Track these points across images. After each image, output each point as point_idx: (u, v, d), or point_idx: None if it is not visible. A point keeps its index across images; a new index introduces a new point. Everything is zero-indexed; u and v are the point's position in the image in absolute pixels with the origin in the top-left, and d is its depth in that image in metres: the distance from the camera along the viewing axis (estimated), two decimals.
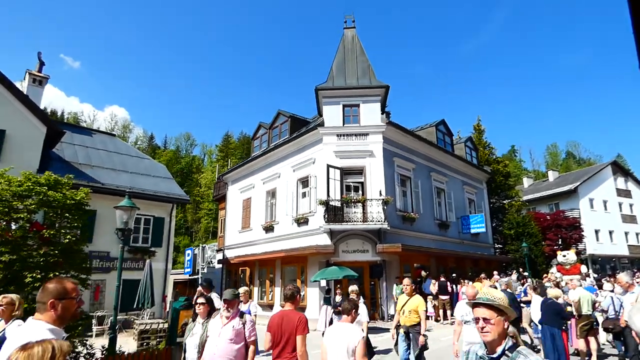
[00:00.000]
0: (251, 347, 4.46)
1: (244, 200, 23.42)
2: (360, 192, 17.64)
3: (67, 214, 6.58)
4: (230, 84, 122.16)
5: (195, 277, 28.76)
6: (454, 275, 18.19)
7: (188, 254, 12.11)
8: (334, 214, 16.55)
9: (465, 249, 22.06)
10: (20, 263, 6.01)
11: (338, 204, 16.67)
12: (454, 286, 16.59)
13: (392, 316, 14.71)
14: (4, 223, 6.02)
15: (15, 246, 6.16)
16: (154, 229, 18.91)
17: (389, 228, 16.50)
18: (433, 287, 16.06)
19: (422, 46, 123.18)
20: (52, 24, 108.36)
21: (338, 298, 12.80)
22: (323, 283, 14.90)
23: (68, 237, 6.51)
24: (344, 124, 18.18)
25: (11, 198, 6.02)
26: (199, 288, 8.28)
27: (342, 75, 18.86)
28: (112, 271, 17.55)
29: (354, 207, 16.84)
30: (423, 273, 17.53)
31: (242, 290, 8.02)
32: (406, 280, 6.96)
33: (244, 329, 4.44)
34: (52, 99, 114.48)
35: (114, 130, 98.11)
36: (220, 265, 24.56)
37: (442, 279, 16.63)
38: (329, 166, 16.94)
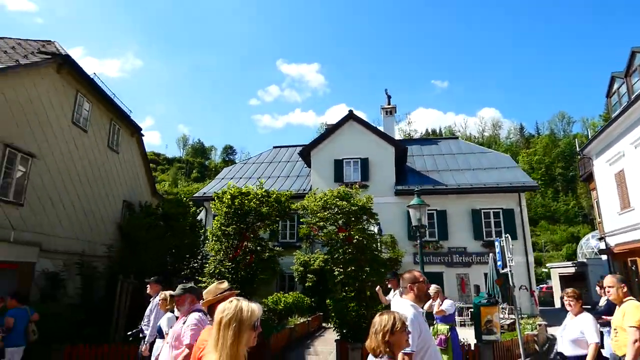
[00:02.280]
0: (184, 351, 3.47)
1: (616, 174, 18.60)
2: None
3: (353, 218, 8.04)
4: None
5: (582, 270, 25.06)
6: None
7: (496, 245, 10.79)
8: None
9: None
10: (331, 260, 7.89)
11: None
12: None
13: None
14: (317, 230, 8.18)
15: (331, 247, 8.16)
16: (504, 221, 18.37)
17: None
18: None
19: None
20: (422, 57, 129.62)
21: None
22: None
23: (356, 237, 7.90)
24: None
25: (318, 209, 8.11)
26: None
27: None
28: (472, 265, 18.37)
29: None
30: None
31: (432, 288, 6.49)
32: (608, 279, 4.06)
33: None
34: (434, 119, 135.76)
35: (485, 131, 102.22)
36: (605, 257, 20.30)
37: None
38: None
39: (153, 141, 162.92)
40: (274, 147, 27.43)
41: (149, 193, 16.96)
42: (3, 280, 9.78)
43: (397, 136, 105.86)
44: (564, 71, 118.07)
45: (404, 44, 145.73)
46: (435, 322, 6.37)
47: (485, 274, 17.84)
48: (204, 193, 21.01)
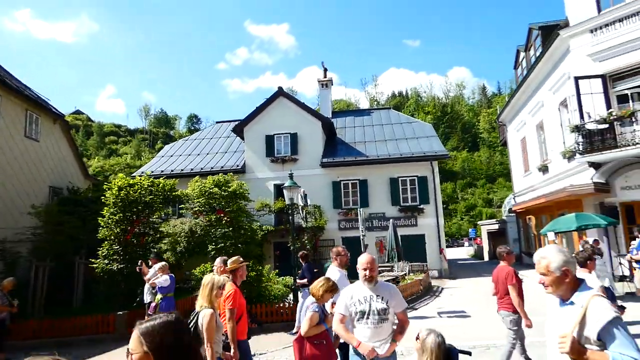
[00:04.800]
0: None
1: (521, 141, 20.47)
2: None
3: (223, 202, 9.34)
4: None
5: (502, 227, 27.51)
6: None
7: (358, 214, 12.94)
8: (600, 139, 12.19)
9: None
10: (207, 238, 9.23)
11: (603, 125, 12.14)
12: None
13: None
14: (199, 213, 9.46)
15: (209, 227, 9.47)
16: (419, 188, 20.05)
17: None
18: None
19: None
20: (393, 16, 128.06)
21: None
22: (551, 236, 11.54)
23: (225, 218, 9.25)
24: (599, 12, 12.81)
25: (196, 196, 9.36)
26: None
27: None
28: (390, 229, 20.16)
29: (632, 124, 11.75)
30: None
31: (158, 265, 7.87)
32: (218, 260, 5.49)
33: None
34: (405, 80, 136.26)
35: (450, 92, 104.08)
36: (514, 215, 22.58)
37: None
38: (577, 79, 12.60)
39: (117, 110, 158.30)
40: (217, 122, 28.12)
41: (81, 177, 17.74)
42: None
43: (365, 101, 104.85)
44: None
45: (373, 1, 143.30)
46: (156, 292, 7.71)
47: (401, 236, 19.73)
48: (142, 172, 21.78)
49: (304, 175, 20.32)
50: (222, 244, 9.11)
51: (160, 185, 9.93)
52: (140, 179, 9.88)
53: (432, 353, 2.47)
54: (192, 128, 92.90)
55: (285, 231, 18.97)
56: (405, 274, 14.91)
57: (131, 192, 9.47)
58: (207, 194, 9.24)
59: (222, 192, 9.22)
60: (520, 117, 19.94)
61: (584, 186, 12.30)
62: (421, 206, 19.75)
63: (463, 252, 40.01)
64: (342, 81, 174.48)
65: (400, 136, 22.37)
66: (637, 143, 11.25)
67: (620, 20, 12.26)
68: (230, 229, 9.35)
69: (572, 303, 2.02)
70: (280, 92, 21.72)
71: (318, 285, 3.88)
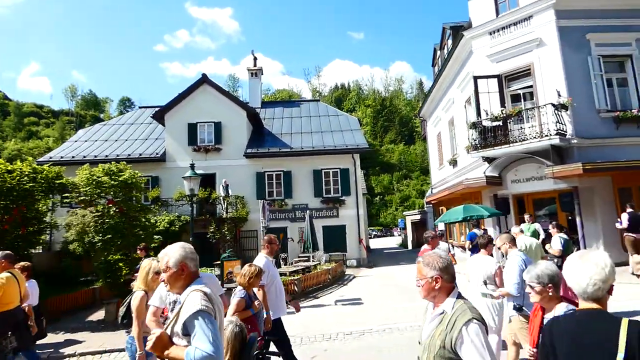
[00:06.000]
0: None
1: (437, 135, 21.54)
2: (535, 99, 13.13)
3: (113, 192, 8.92)
4: None
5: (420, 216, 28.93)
6: None
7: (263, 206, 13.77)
8: (493, 135, 13.12)
9: None
10: (94, 229, 8.75)
11: (497, 123, 13.07)
12: None
13: None
14: (86, 203, 8.94)
15: (98, 218, 8.96)
16: (341, 180, 20.43)
17: (575, 141, 11.69)
18: None
19: None
20: (338, 7, 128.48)
21: None
22: (441, 226, 12.42)
23: (113, 209, 8.85)
24: (497, 15, 13.72)
25: (83, 185, 8.83)
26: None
27: None
28: (312, 219, 20.43)
29: (520, 122, 12.75)
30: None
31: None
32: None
33: None
34: (349, 72, 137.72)
35: (390, 86, 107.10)
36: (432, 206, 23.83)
37: None
38: (476, 78, 13.44)
39: (43, 89, 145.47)
40: (140, 107, 26.74)
41: None
42: None
43: (307, 91, 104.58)
44: None
45: None
46: None
47: (323, 227, 20.09)
48: (50, 157, 20.22)
49: (228, 165, 20.03)
50: (109, 236, 8.70)
51: (44, 172, 9.24)
52: (21, 165, 9.12)
53: (228, 343, 2.56)
54: (125, 112, 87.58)
55: (206, 221, 18.58)
56: (318, 263, 15.19)
57: (8, 178, 8.72)
58: (95, 182, 8.75)
59: (112, 181, 8.77)
60: (437, 113, 20.95)
61: (478, 179, 13.21)
62: (342, 197, 20.17)
63: (393, 242, 41.71)
64: (287, 70, 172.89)
65: (326, 129, 22.63)
66: (524, 140, 12.25)
67: (515, 24, 13.21)
68: (123, 219, 8.95)
69: (179, 302, 2.06)
70: (204, 79, 21.05)
71: (243, 272, 4.18)
